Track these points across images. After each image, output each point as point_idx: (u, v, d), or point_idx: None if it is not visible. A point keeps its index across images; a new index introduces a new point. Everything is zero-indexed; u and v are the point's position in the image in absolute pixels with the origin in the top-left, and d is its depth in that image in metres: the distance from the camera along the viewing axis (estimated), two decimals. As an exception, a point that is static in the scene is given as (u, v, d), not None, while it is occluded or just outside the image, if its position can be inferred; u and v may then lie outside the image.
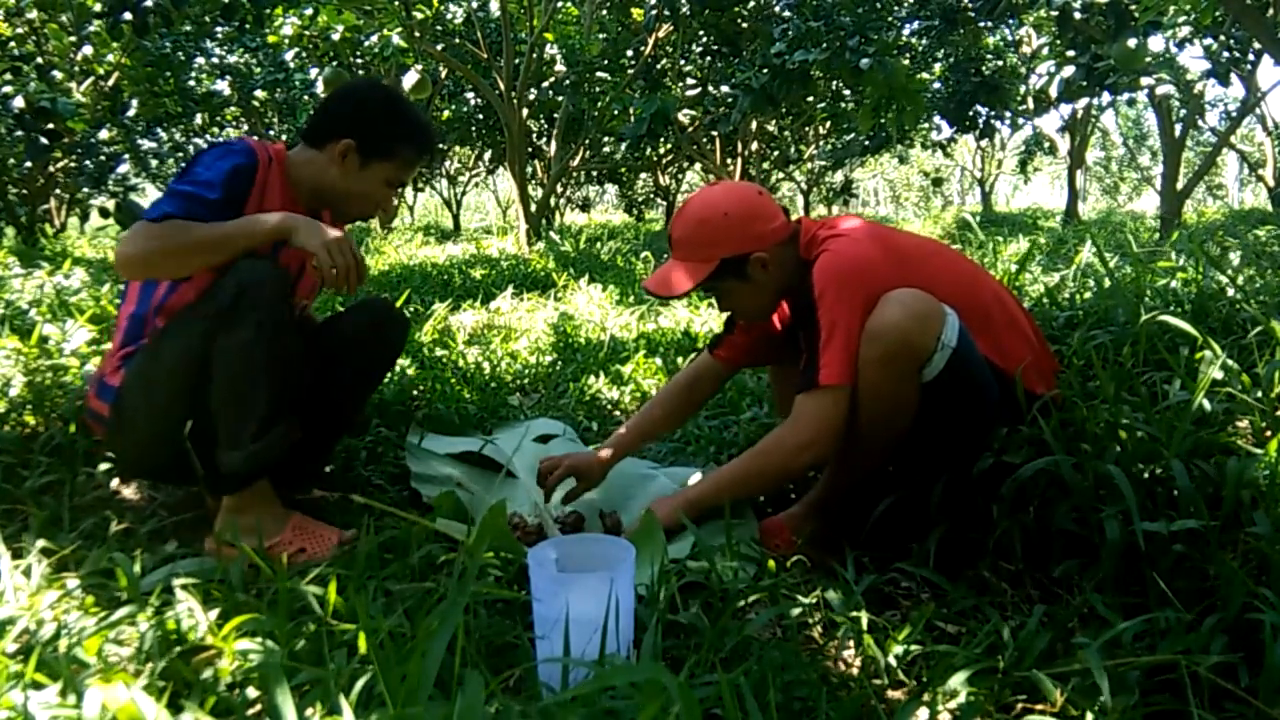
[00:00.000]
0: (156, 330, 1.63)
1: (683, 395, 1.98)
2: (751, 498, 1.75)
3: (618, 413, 2.80)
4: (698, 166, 15.99)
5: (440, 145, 2.16)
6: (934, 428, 1.58)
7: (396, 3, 7.61)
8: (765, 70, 6.63)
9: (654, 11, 8.31)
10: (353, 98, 1.76)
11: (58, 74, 7.22)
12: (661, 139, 9.48)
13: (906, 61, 8.53)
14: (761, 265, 1.66)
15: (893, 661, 1.21)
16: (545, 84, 9.92)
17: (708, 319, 4.15)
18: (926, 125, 14.40)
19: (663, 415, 1.98)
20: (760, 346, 1.94)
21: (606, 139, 12.82)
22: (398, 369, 2.93)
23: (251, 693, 1.09)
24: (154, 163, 13.00)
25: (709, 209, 1.67)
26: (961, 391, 1.53)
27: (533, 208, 9.15)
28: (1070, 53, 6.56)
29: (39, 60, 6.57)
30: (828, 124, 11.93)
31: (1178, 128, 10.56)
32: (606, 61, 9.49)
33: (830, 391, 1.53)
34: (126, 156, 9.85)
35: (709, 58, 9.27)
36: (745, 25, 8.23)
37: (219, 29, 9.56)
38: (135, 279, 1.67)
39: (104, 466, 1.99)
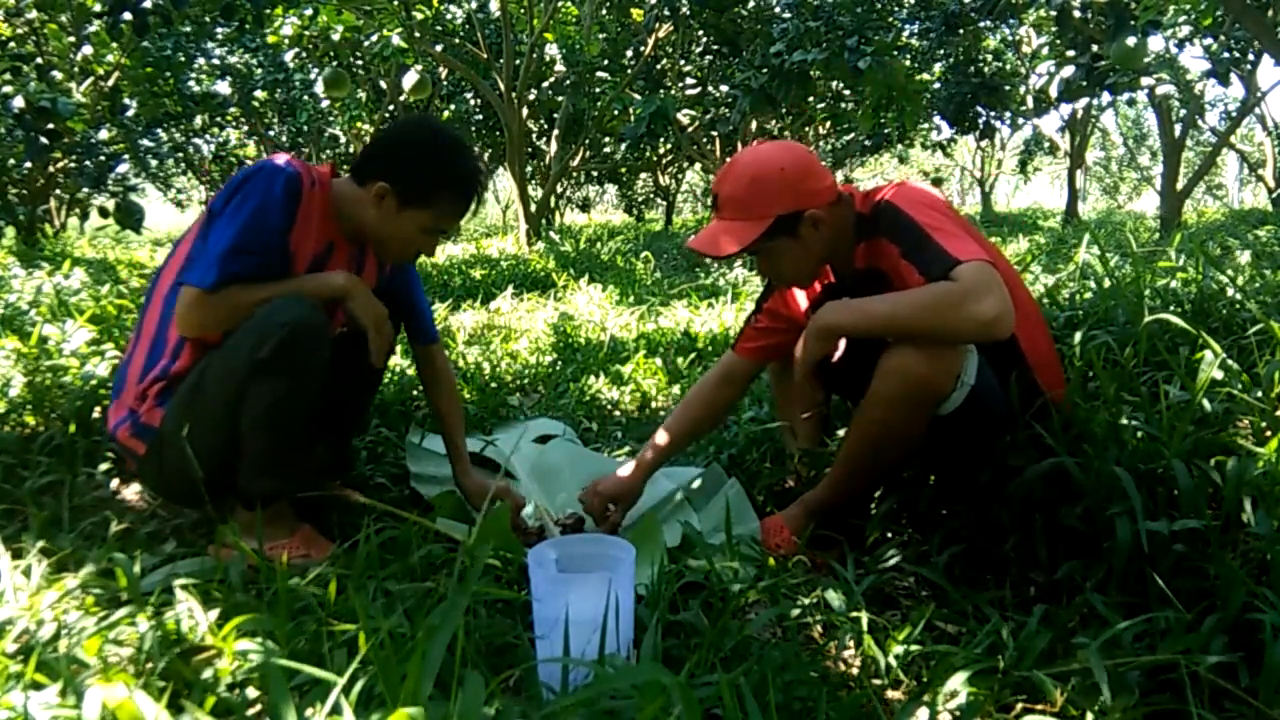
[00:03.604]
0: (196, 368, 1.58)
1: (713, 395, 1.90)
2: (897, 334, 1.49)
3: (617, 413, 2.80)
4: (698, 166, 15.99)
5: (483, 187, 2.10)
6: (948, 452, 1.59)
7: (396, 3, 7.61)
8: (765, 70, 6.63)
9: (654, 11, 8.31)
10: (394, 140, 1.70)
11: (58, 74, 7.21)
12: (661, 139, 9.49)
13: (906, 62, 8.52)
14: (814, 223, 1.59)
15: (893, 661, 1.21)
16: (545, 84, 9.93)
17: (707, 319, 4.15)
18: (926, 126, 14.39)
19: (695, 420, 1.89)
20: (786, 335, 1.84)
21: (606, 139, 12.84)
22: (397, 369, 2.93)
23: (251, 693, 1.09)
24: (154, 163, 12.99)
25: (763, 165, 1.59)
26: (978, 423, 1.54)
27: (532, 208, 9.15)
28: (1070, 53, 6.56)
29: (39, 60, 6.56)
30: (828, 124, 11.93)
31: (1178, 128, 10.56)
32: (606, 61, 9.50)
33: (980, 264, 1.41)
34: (126, 156, 9.84)
35: (709, 58, 9.27)
36: (745, 25, 8.23)
37: (219, 29, 9.55)
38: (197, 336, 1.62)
39: (104, 466, 1.99)
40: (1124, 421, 1.51)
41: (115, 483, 1.97)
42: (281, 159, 1.61)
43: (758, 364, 1.91)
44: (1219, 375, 1.57)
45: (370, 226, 1.69)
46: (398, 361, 3.00)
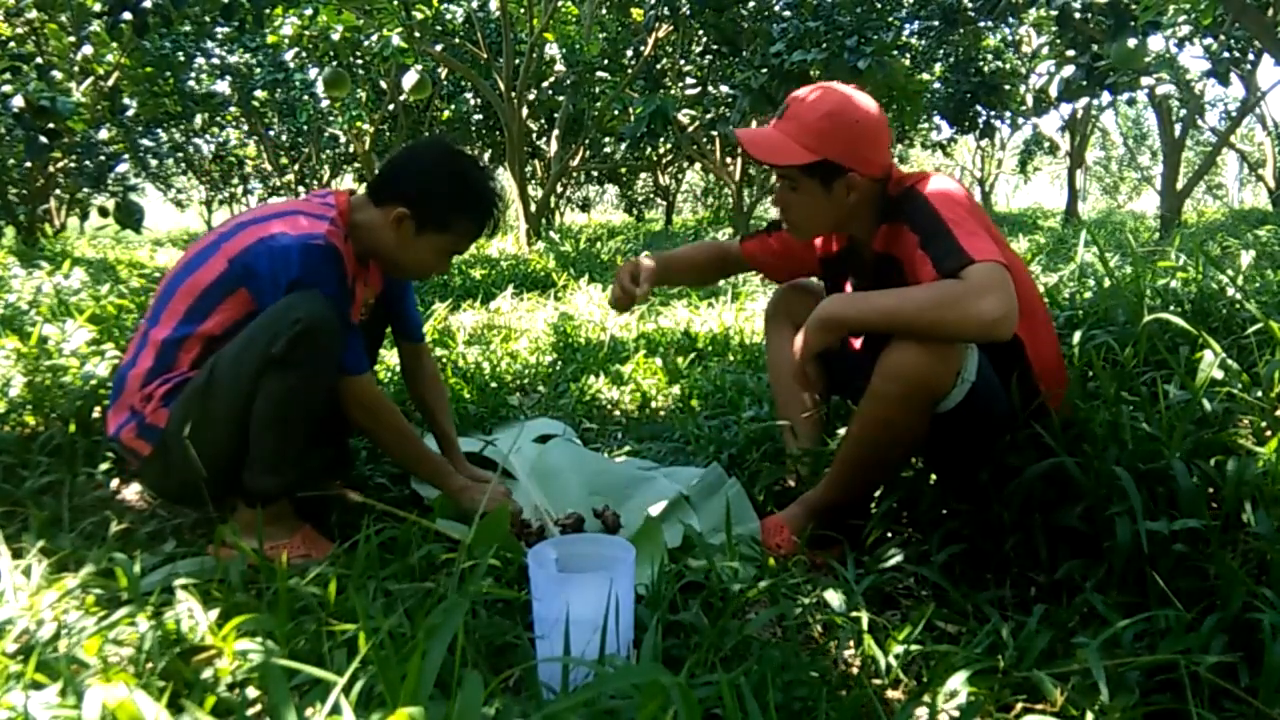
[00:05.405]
0: (204, 367, 1.58)
1: (714, 257, 2.03)
2: (905, 332, 1.46)
3: (617, 413, 2.80)
4: (698, 166, 16.00)
5: (500, 210, 2.14)
6: (948, 450, 1.59)
7: (396, 3, 7.61)
8: (765, 70, 6.63)
9: (654, 11, 8.31)
10: (414, 165, 1.71)
11: (58, 74, 7.21)
12: (661, 139, 9.48)
13: (906, 61, 8.52)
14: (848, 186, 1.60)
15: (893, 661, 1.21)
16: (545, 84, 9.93)
17: (707, 319, 4.15)
18: (926, 125, 14.39)
19: (693, 264, 2.03)
20: (787, 264, 1.94)
21: (606, 139, 12.84)
22: (397, 369, 2.93)
23: (251, 693, 1.09)
24: (154, 163, 12.99)
25: (845, 108, 1.59)
26: (978, 420, 1.54)
27: (532, 207, 9.15)
28: (1070, 53, 6.56)
29: (39, 60, 6.57)
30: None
31: (1178, 128, 10.56)
32: (606, 61, 9.50)
33: (993, 265, 1.40)
34: (126, 156, 9.84)
35: (709, 58, 9.27)
36: (745, 25, 8.23)
37: (219, 29, 9.55)
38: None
39: (104, 466, 1.99)
40: (1124, 421, 1.51)
41: (115, 483, 1.97)
42: (321, 231, 1.61)
43: (749, 265, 2.02)
44: (1219, 375, 1.57)
45: (386, 249, 1.73)
46: (397, 362, 3.00)
